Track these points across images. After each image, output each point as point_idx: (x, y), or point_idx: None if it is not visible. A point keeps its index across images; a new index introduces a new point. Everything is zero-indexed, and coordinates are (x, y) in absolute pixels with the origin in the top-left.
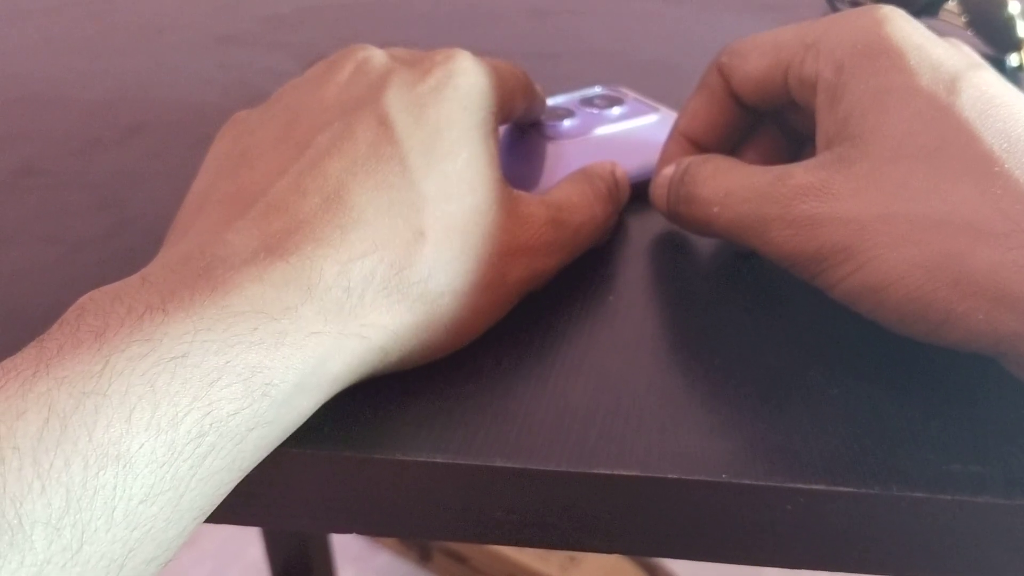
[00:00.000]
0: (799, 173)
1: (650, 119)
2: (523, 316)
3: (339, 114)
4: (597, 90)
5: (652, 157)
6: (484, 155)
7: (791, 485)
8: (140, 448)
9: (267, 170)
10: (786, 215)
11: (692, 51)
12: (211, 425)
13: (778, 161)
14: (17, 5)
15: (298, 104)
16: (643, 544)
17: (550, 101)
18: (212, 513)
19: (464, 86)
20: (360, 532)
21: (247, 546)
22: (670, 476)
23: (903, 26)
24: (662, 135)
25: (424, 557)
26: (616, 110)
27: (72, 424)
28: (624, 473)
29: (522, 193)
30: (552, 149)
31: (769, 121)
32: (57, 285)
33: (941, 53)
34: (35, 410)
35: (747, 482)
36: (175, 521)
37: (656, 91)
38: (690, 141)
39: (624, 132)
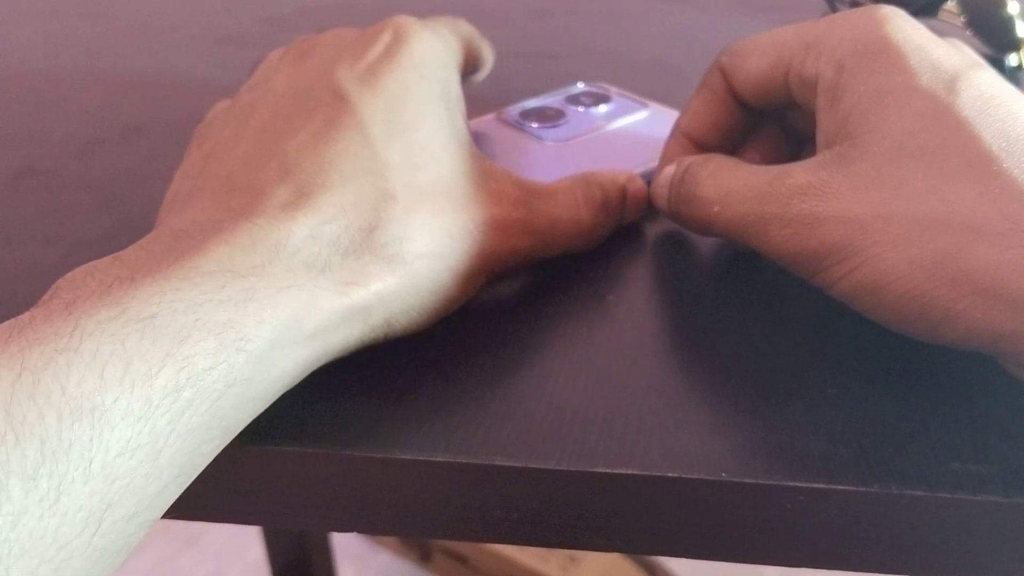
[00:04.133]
0: (798, 172)
1: (641, 115)
2: (523, 316)
3: (293, 99)
4: (581, 87)
5: (651, 154)
6: (448, 126)
7: (790, 484)
8: (115, 402)
9: (228, 159)
10: (785, 214)
11: (692, 51)
12: (187, 380)
13: (779, 161)
14: (17, 5)
15: (253, 99)
16: (643, 543)
17: (534, 102)
18: (212, 512)
19: (416, 51)
20: (360, 531)
21: (247, 546)
22: (670, 475)
23: (903, 26)
24: (657, 131)
25: (424, 557)
26: (603, 107)
27: (45, 379)
28: (624, 472)
29: (495, 167)
30: (550, 151)
31: (770, 121)
32: None
33: (941, 53)
34: (7, 367)
35: (746, 481)
36: (155, 477)
37: (656, 91)
38: (691, 141)
39: (620, 130)
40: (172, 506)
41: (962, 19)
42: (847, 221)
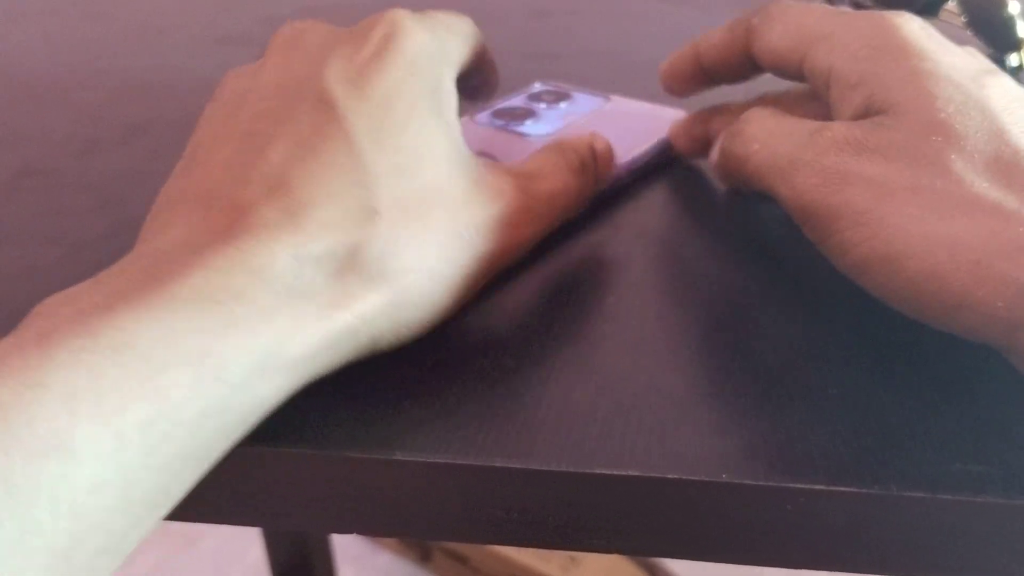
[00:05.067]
0: (839, 126)
1: (608, 106)
2: (524, 317)
3: (279, 98)
4: (539, 87)
5: (635, 139)
6: (438, 125)
7: (791, 485)
8: (85, 438)
9: (211, 165)
10: (817, 162)
11: None
12: (160, 413)
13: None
14: (17, 5)
15: (239, 94)
16: (643, 544)
17: (500, 103)
18: (212, 514)
19: (408, 49)
20: (360, 532)
21: (248, 546)
22: (670, 476)
23: (919, 31)
24: (629, 119)
25: (424, 557)
26: (565, 104)
27: (12, 415)
28: (624, 473)
29: (488, 161)
30: (539, 144)
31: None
32: (57, 285)
33: (958, 58)
34: None
35: (747, 482)
36: (124, 511)
37: (656, 91)
38: (699, 64)
39: (595, 120)
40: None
41: (962, 19)
42: (876, 185)
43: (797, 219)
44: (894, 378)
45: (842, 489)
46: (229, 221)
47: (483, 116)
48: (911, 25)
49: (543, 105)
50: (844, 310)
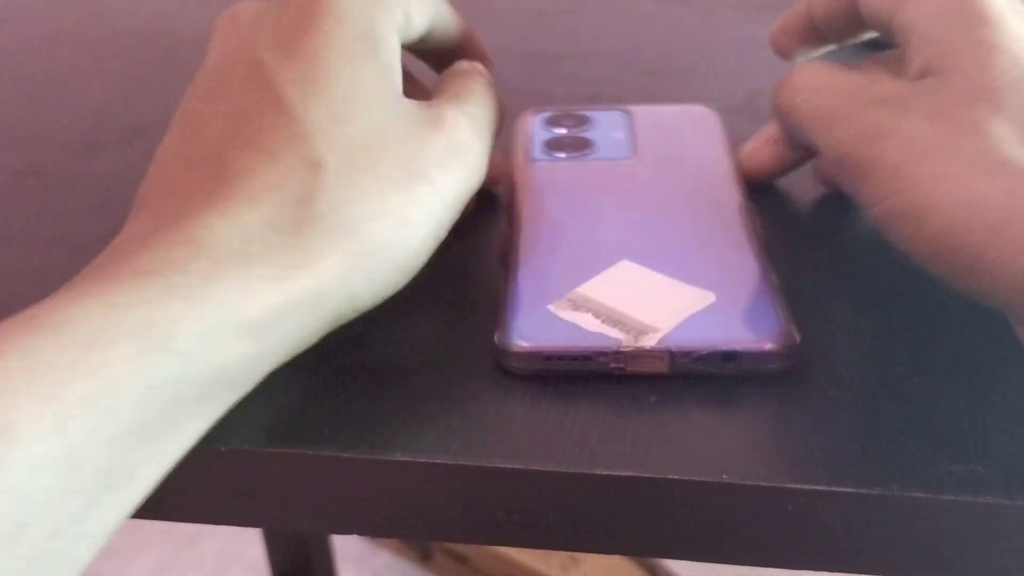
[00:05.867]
0: (888, 82)
1: (635, 116)
2: None
3: (215, 78)
4: (548, 114)
5: (704, 138)
6: (374, 68)
7: (792, 486)
8: (22, 418)
9: (164, 160)
10: (858, 115)
11: (692, 51)
12: (103, 389)
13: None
14: (18, 5)
15: (191, 87)
16: (643, 545)
17: (540, 134)
18: (212, 514)
19: (331, 2)
20: (360, 533)
21: (248, 547)
22: (670, 477)
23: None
24: (670, 122)
25: (425, 557)
26: (591, 127)
27: None
28: (624, 474)
29: (422, 102)
30: (626, 169)
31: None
32: (57, 286)
33: None
34: None
35: (747, 483)
36: (75, 491)
37: (656, 91)
38: (810, 16)
39: (651, 129)
40: (173, 508)
41: None
42: (910, 144)
43: (833, 170)
44: (895, 379)
45: (843, 490)
46: (175, 208)
47: (535, 151)
48: None
49: (563, 130)
50: (844, 311)
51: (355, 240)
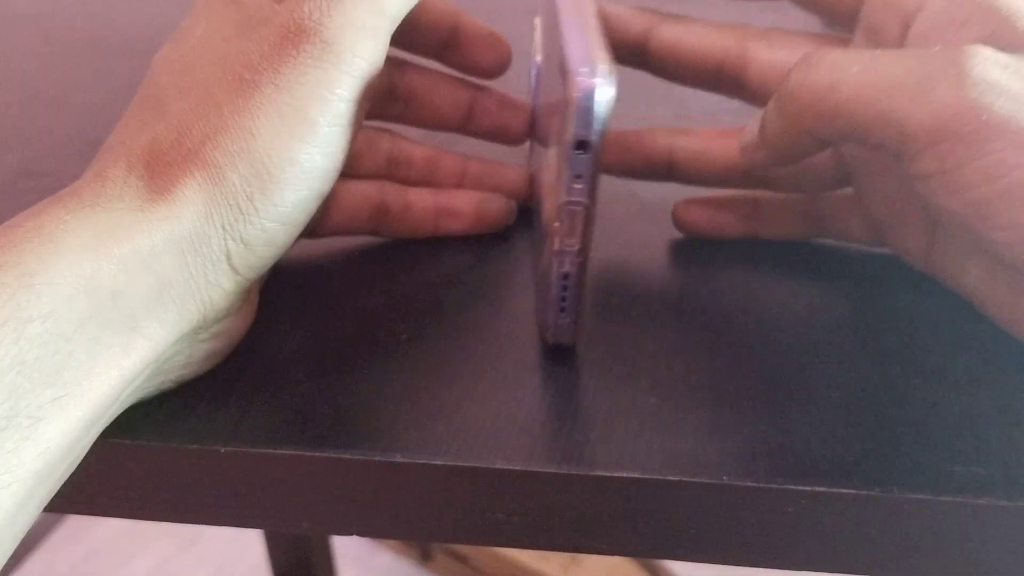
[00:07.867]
0: (986, 49)
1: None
2: (524, 318)
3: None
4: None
5: None
6: (229, 16)
7: (792, 487)
8: None
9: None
10: (970, 76)
11: None
12: None
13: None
14: (18, 7)
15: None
16: (644, 546)
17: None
18: (213, 515)
19: None
20: (361, 535)
21: (248, 547)
22: (671, 478)
23: None
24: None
25: (425, 557)
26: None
27: None
28: (625, 475)
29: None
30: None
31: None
32: None
33: None
34: None
35: (748, 484)
36: None
37: (656, 91)
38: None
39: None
40: (172, 509)
41: None
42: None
43: (922, 143)
44: (895, 381)
45: (843, 491)
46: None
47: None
48: None
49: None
50: (844, 311)
51: (215, 168)
